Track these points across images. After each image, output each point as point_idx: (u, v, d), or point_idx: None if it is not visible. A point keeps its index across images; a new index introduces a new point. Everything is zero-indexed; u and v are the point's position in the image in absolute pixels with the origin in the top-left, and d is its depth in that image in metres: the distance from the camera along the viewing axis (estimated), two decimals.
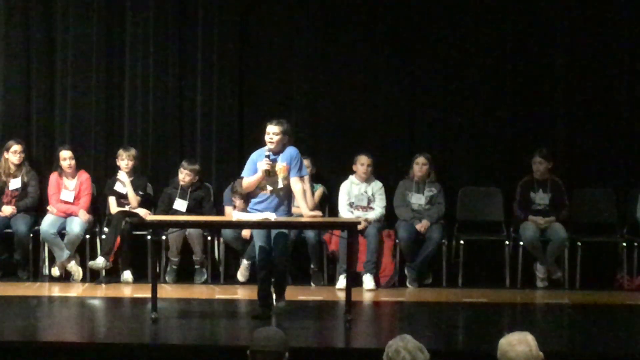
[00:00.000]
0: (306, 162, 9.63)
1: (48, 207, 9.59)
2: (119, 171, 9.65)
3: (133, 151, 9.69)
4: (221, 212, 9.68)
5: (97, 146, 10.05)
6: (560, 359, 6.54)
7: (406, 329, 7.13)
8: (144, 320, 7.74)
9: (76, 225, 9.45)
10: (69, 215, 9.53)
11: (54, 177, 9.68)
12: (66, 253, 9.41)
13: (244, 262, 9.50)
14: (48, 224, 9.46)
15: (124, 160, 9.63)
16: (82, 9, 9.98)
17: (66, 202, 9.58)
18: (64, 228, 9.49)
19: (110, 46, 10.02)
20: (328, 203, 9.87)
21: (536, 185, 9.67)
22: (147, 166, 9.98)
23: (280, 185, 7.79)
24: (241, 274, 9.53)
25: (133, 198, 9.61)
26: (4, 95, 10.01)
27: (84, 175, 9.72)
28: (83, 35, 9.98)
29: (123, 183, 9.63)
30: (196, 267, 9.56)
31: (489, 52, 9.98)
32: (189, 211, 9.53)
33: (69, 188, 9.64)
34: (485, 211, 9.89)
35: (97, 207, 9.87)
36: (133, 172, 9.69)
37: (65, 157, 9.60)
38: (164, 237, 9.36)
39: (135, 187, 9.65)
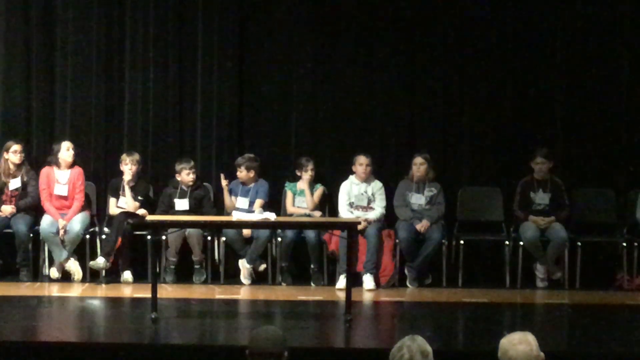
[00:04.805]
0: (309, 164, 9.71)
1: (45, 206, 9.57)
2: (124, 177, 9.63)
3: (137, 156, 9.67)
4: (221, 212, 9.69)
5: (97, 146, 10.05)
6: (560, 359, 6.54)
7: (406, 329, 7.17)
8: (144, 320, 7.73)
9: (76, 223, 9.46)
10: (64, 213, 9.51)
11: (45, 170, 9.65)
12: (65, 253, 9.40)
13: (246, 265, 9.49)
14: (48, 223, 9.45)
15: (128, 165, 9.61)
16: (82, 9, 9.98)
17: (60, 197, 9.58)
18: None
19: (110, 46, 10.02)
20: (328, 203, 9.87)
21: (536, 185, 9.66)
22: (147, 166, 9.98)
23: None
24: (244, 277, 9.52)
25: (131, 205, 9.59)
26: (4, 95, 10.01)
27: (77, 169, 9.70)
28: (83, 35, 9.99)
29: (124, 188, 9.63)
30: (196, 267, 9.55)
31: (489, 52, 9.98)
32: (189, 211, 9.53)
33: (61, 182, 9.61)
34: (485, 211, 9.89)
35: (97, 207, 9.88)
36: (136, 177, 9.67)
37: (68, 147, 9.59)
38: (163, 237, 9.36)
39: (136, 192, 9.64)
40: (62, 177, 9.65)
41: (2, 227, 9.52)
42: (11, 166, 9.65)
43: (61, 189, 9.60)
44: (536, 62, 9.98)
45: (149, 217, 8.53)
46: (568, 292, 9.33)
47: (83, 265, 9.46)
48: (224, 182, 9.71)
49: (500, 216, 9.83)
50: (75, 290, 9.15)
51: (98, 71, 10.01)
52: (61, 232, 9.40)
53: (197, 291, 9.25)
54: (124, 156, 9.68)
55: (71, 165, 9.66)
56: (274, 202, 9.73)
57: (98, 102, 10.03)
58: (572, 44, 9.96)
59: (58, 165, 9.62)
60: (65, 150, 9.61)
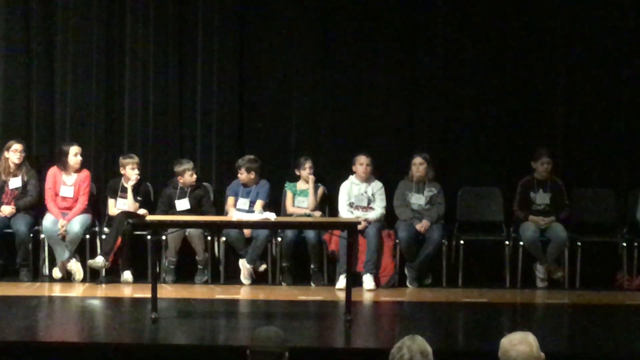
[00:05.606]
0: (307, 162, 9.72)
1: (48, 205, 9.57)
2: (129, 180, 9.61)
3: (137, 158, 9.68)
4: (221, 212, 9.69)
5: (97, 146, 10.05)
6: (560, 359, 6.54)
7: (406, 329, 7.17)
8: (144, 320, 7.74)
9: (75, 224, 9.46)
10: (65, 212, 9.52)
11: (52, 171, 9.66)
12: (67, 253, 9.41)
13: (246, 265, 9.49)
14: (51, 222, 9.46)
15: (135, 170, 9.60)
16: (82, 9, 9.98)
17: (65, 198, 9.58)
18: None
19: (110, 46, 10.02)
20: (328, 203, 9.87)
21: (536, 185, 9.66)
22: (147, 167, 9.98)
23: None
24: (244, 277, 9.52)
25: (132, 205, 9.59)
26: (4, 94, 10.01)
27: (85, 173, 9.71)
28: (83, 35, 9.99)
29: (125, 189, 9.63)
30: (199, 267, 9.55)
31: (489, 52, 9.98)
32: (190, 211, 9.53)
33: (67, 183, 9.62)
34: (485, 211, 9.89)
35: (97, 207, 9.88)
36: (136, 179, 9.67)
37: (76, 152, 9.60)
38: (163, 237, 9.36)
39: (136, 193, 9.64)
40: (68, 179, 9.65)
41: (2, 227, 9.52)
42: (12, 165, 9.65)
43: (67, 191, 9.61)
44: (536, 63, 9.98)
45: (149, 217, 8.53)
46: (568, 292, 9.33)
47: (84, 265, 9.47)
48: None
49: (500, 216, 9.83)
50: (75, 290, 9.16)
51: (98, 71, 10.01)
52: (61, 230, 9.41)
53: (197, 291, 9.26)
54: (127, 160, 9.64)
55: (78, 169, 9.67)
56: (274, 202, 9.74)
57: (98, 102, 10.03)
58: (572, 44, 9.95)
59: (66, 169, 9.61)
60: (73, 156, 9.61)
